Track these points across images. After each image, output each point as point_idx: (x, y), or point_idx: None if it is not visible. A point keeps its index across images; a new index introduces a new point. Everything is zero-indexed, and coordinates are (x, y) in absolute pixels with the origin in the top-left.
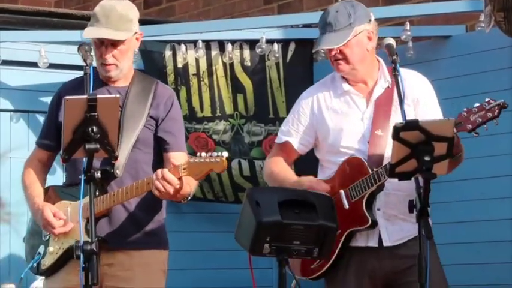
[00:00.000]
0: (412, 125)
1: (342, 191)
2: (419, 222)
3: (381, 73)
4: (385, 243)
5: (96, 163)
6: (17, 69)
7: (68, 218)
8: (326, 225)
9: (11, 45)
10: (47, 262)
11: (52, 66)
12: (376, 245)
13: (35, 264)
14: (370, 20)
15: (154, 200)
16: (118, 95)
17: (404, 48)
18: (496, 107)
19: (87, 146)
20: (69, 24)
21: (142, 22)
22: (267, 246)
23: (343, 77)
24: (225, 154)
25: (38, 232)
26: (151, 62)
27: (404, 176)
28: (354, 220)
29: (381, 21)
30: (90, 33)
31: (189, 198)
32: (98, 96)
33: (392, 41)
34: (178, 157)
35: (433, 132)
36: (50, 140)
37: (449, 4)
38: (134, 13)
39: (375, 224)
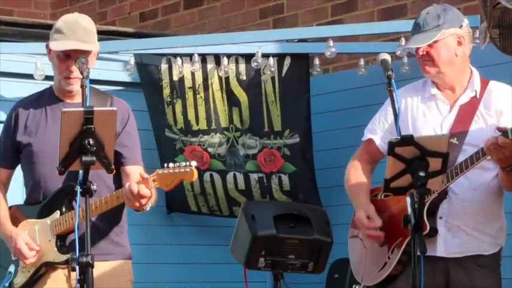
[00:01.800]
0: (407, 141)
1: (408, 198)
2: (413, 237)
3: (471, 82)
4: (439, 253)
5: (58, 182)
6: (13, 81)
7: (36, 236)
8: (321, 239)
9: (7, 57)
10: (19, 280)
11: (48, 78)
12: (435, 254)
13: (7, 284)
14: (461, 26)
15: (116, 211)
16: (115, 108)
17: (400, 63)
18: None
19: (84, 158)
20: None
21: (138, 35)
22: (262, 260)
23: (433, 82)
24: (193, 163)
25: (7, 250)
26: (147, 75)
27: (399, 191)
28: None
29: (376, 37)
30: (62, 45)
31: (148, 208)
32: (95, 108)
33: (387, 57)
34: (134, 170)
35: (428, 148)
36: (8, 158)
37: None
38: (94, 27)
39: (434, 231)
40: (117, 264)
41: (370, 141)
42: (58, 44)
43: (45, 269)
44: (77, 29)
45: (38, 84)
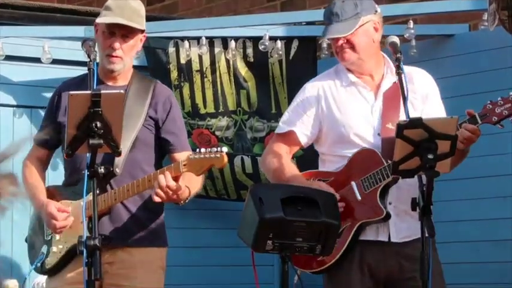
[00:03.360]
0: (415, 123)
1: (353, 183)
2: (422, 220)
3: (388, 68)
4: (392, 239)
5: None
6: (20, 65)
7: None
8: (329, 222)
9: (15, 41)
10: (50, 261)
11: (55, 61)
12: (386, 239)
13: (39, 264)
14: (376, 11)
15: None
16: (122, 91)
17: (408, 46)
18: None
19: (91, 141)
20: (72, 19)
21: (146, 18)
22: (269, 243)
23: (348, 69)
24: (225, 149)
25: (40, 230)
26: (155, 58)
27: (407, 174)
28: (366, 212)
29: (384, 19)
30: (108, 19)
31: (187, 201)
32: (102, 91)
33: (396, 39)
34: (183, 157)
35: (437, 130)
36: (48, 138)
37: (453, 3)
38: (144, 11)
39: (388, 216)
40: (150, 251)
41: (290, 133)
42: (105, 18)
43: (76, 251)
44: (126, 8)
45: (45, 67)
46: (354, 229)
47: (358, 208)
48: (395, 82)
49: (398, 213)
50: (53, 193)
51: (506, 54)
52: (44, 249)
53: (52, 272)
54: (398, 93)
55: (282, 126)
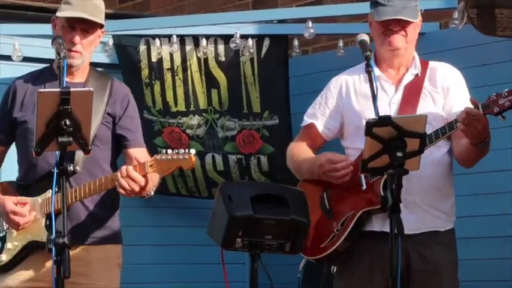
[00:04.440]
0: (384, 121)
1: (360, 173)
2: (390, 218)
3: (414, 62)
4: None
5: (52, 161)
6: None
7: (26, 214)
8: (298, 220)
9: None
10: (4, 258)
11: (26, 59)
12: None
13: None
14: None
15: (112, 196)
16: (92, 89)
17: None
18: None
19: (60, 139)
20: (43, 17)
21: (117, 16)
22: (239, 241)
23: (377, 61)
24: (193, 151)
25: None
26: (126, 56)
27: (376, 172)
28: (369, 200)
29: (355, 18)
30: (69, 13)
31: (152, 194)
32: (72, 89)
33: (366, 37)
34: (138, 152)
35: (406, 128)
36: (2, 135)
37: (424, 1)
38: (103, 7)
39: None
40: (107, 248)
41: (311, 126)
42: (65, 13)
43: (31, 248)
44: (86, 3)
45: (15, 65)
46: (355, 218)
47: (362, 197)
48: (417, 75)
49: (407, 205)
50: (7, 189)
51: (477, 52)
52: None
53: (5, 268)
54: (419, 86)
55: (305, 119)
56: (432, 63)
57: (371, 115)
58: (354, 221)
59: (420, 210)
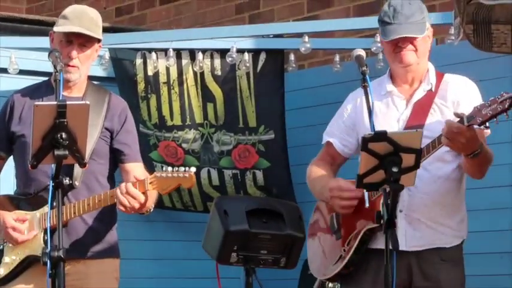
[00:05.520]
0: (380, 136)
1: (365, 191)
2: (386, 233)
3: (427, 76)
4: (401, 247)
5: (49, 174)
6: None
7: (27, 229)
8: (293, 235)
9: None
10: (2, 271)
11: (22, 72)
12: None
13: None
14: (430, 19)
15: (110, 210)
16: (88, 102)
17: (375, 60)
18: (508, 100)
19: (56, 152)
20: (40, 30)
21: (114, 30)
22: (234, 255)
23: (391, 78)
24: (193, 169)
25: None
26: (122, 69)
27: (372, 187)
28: (371, 218)
29: (351, 33)
30: (66, 28)
31: (151, 210)
32: (68, 102)
33: (362, 52)
34: (135, 167)
35: (401, 144)
36: (0, 148)
37: None
38: (100, 21)
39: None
40: (105, 262)
41: (329, 144)
42: (63, 27)
43: (29, 262)
44: (83, 17)
45: (12, 78)
46: (359, 236)
47: (366, 215)
48: (429, 90)
49: (410, 222)
50: (5, 203)
51: (473, 68)
52: None
53: (1, 283)
54: (430, 102)
55: (324, 137)
56: (447, 76)
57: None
58: (358, 240)
59: (424, 226)
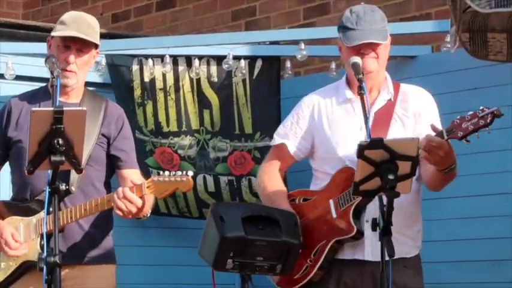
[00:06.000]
0: (376, 144)
1: (331, 201)
2: (382, 240)
3: (385, 85)
4: (367, 257)
5: (45, 180)
6: None
7: (20, 234)
8: (289, 241)
9: None
10: None
11: (19, 78)
12: (362, 258)
13: None
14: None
15: (106, 216)
16: (85, 108)
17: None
18: (489, 115)
19: (53, 158)
20: (36, 36)
21: (110, 36)
22: (230, 262)
23: (348, 85)
24: (190, 173)
25: None
26: (118, 76)
27: (368, 194)
28: (339, 229)
29: None
30: (64, 32)
31: (148, 215)
32: (65, 108)
33: (358, 60)
34: (132, 174)
35: (397, 151)
36: None
37: (416, 24)
38: (98, 27)
39: (360, 234)
40: (101, 268)
41: (282, 146)
42: (60, 32)
43: (25, 268)
44: (81, 23)
45: (8, 83)
46: (328, 247)
47: (333, 226)
48: (389, 100)
49: (376, 232)
50: (2, 208)
51: (469, 76)
52: None
53: None
54: (390, 111)
55: (275, 138)
56: (404, 87)
57: (340, 140)
58: (326, 251)
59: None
